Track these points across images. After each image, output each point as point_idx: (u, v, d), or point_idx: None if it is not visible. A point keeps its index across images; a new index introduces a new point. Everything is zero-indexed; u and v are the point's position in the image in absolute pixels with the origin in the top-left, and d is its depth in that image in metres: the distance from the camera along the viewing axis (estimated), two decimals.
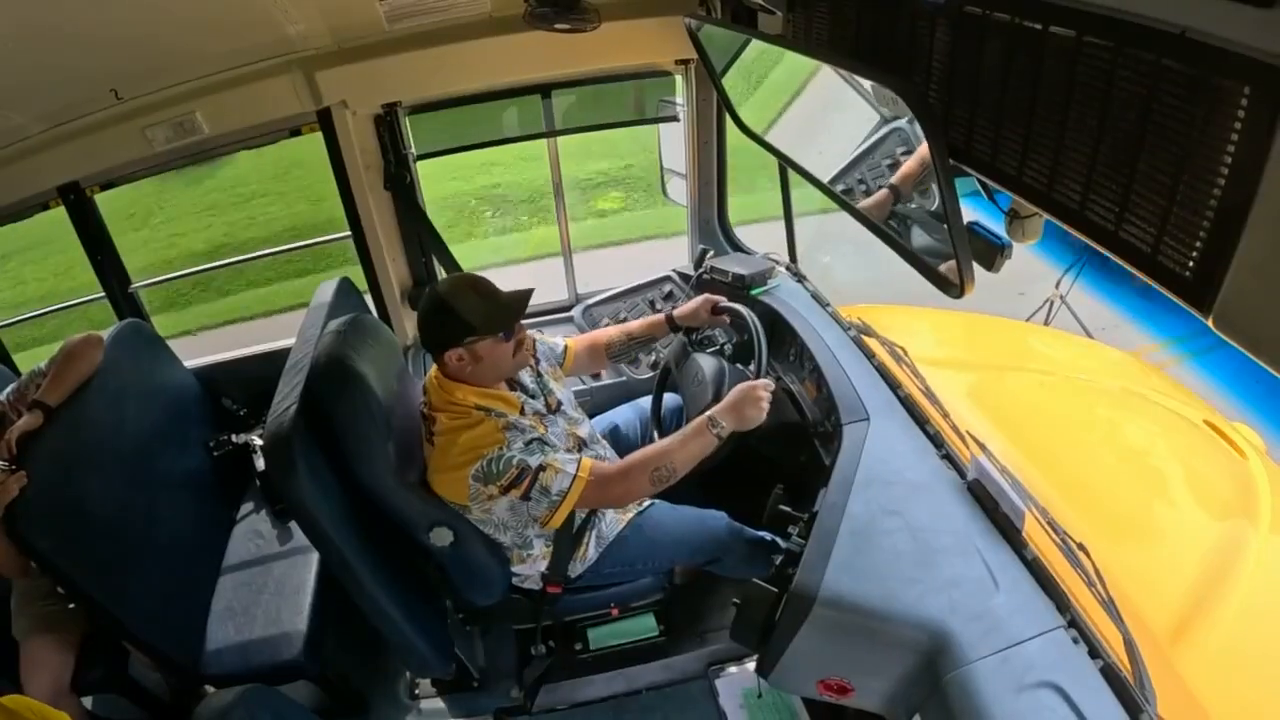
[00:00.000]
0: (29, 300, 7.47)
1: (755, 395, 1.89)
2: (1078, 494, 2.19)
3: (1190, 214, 0.86)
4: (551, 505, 1.83)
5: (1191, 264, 0.88)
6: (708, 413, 1.91)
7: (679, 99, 2.81)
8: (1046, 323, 4.32)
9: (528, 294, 1.90)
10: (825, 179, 1.76)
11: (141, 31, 1.98)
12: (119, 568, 1.99)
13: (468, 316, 1.82)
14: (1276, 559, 2.10)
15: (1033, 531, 1.63)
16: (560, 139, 2.90)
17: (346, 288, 2.32)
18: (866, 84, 1.61)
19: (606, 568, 2.08)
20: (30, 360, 2.47)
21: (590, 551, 2.06)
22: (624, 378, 2.92)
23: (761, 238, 3.06)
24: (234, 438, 2.71)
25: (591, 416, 2.36)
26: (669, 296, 3.06)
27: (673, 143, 2.97)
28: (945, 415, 1.98)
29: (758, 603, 1.64)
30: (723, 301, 2.27)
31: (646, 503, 2.13)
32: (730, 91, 2.15)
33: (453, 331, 1.84)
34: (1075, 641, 1.45)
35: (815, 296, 2.53)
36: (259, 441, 2.70)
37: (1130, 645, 1.45)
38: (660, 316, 2.34)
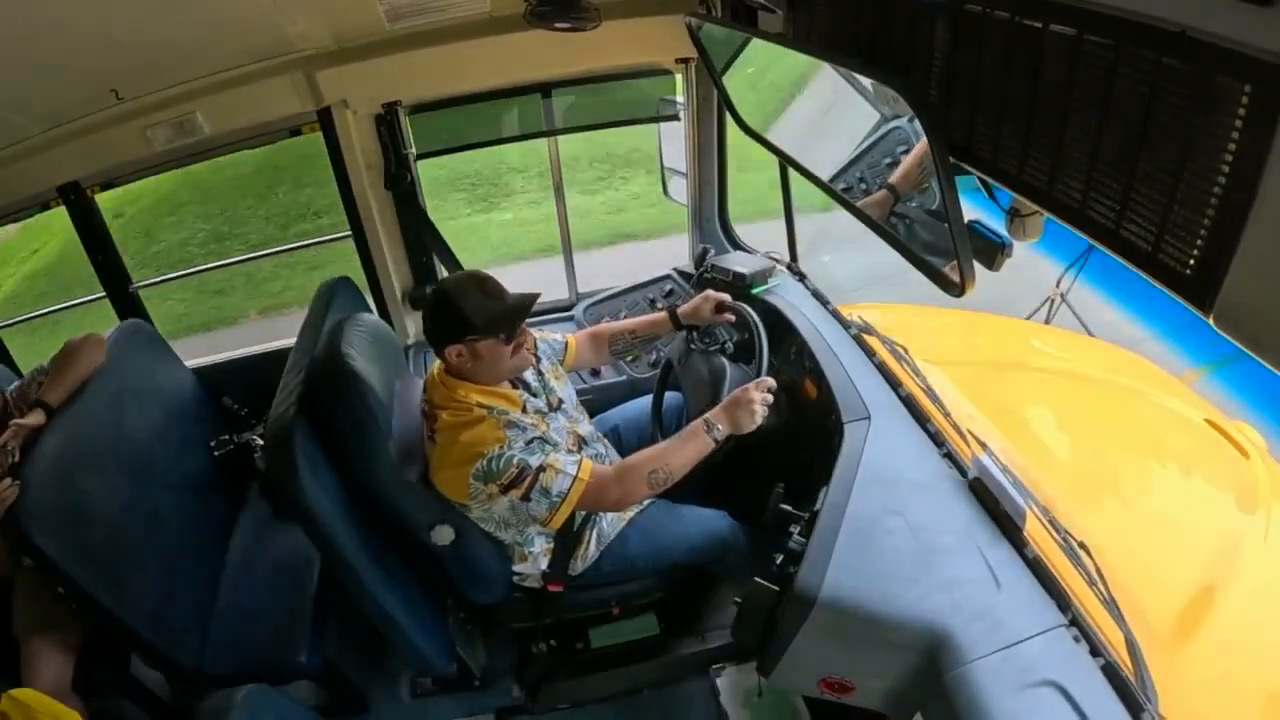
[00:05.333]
0: None
1: (749, 398, 1.89)
2: (1079, 492, 2.19)
3: (1191, 212, 0.86)
4: (551, 506, 1.83)
5: (1192, 262, 0.88)
6: (704, 416, 1.91)
7: (679, 98, 2.81)
8: (1047, 321, 4.31)
9: (533, 298, 1.90)
10: (826, 177, 1.76)
11: (142, 32, 1.98)
12: (120, 568, 1.99)
13: (471, 315, 1.82)
14: (1277, 558, 2.10)
15: (1034, 530, 1.63)
16: None
17: (347, 287, 2.32)
18: (867, 82, 1.61)
19: (607, 566, 2.08)
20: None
21: (591, 550, 2.06)
22: (625, 376, 2.92)
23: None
24: (235, 437, 2.71)
25: (593, 415, 2.36)
26: (669, 295, 3.06)
27: (673, 142, 2.96)
28: (946, 414, 1.98)
29: (759, 602, 1.64)
30: (726, 299, 2.27)
31: (647, 501, 2.13)
32: (731, 90, 2.15)
33: (454, 328, 1.84)
34: (1076, 640, 1.45)
35: (816, 295, 2.53)
36: (260, 441, 2.71)
37: (1132, 644, 1.45)
38: (663, 314, 2.34)
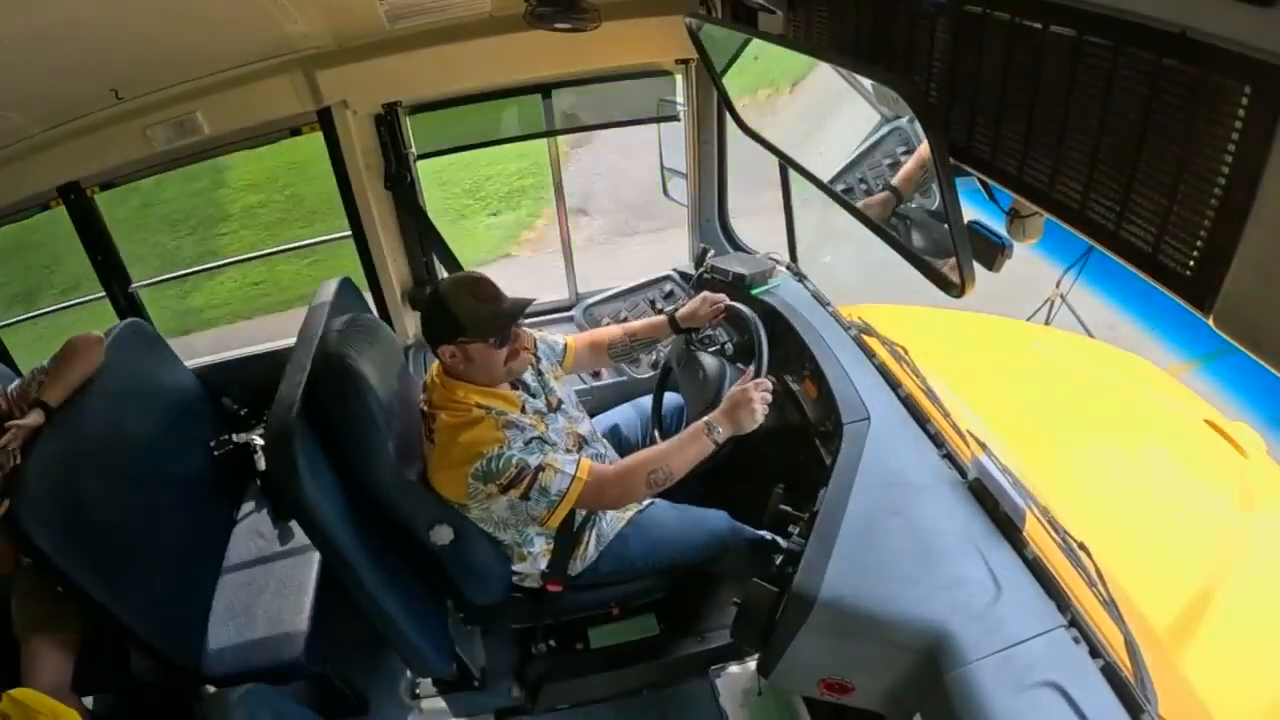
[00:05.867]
0: None
1: (748, 398, 1.89)
2: (1079, 493, 2.19)
3: (1191, 213, 0.86)
4: (550, 505, 1.83)
5: (1192, 263, 0.88)
6: (705, 418, 1.91)
7: (679, 98, 2.81)
8: (1047, 322, 4.31)
9: (526, 303, 1.90)
10: (826, 179, 1.76)
11: (142, 32, 1.98)
12: (119, 568, 1.99)
13: (461, 318, 1.82)
14: (1277, 558, 2.10)
15: (1034, 531, 1.64)
16: None
17: (347, 287, 2.32)
18: (867, 83, 1.61)
19: (607, 566, 2.08)
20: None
21: (590, 550, 2.06)
22: (625, 377, 2.92)
23: None
24: (235, 437, 2.71)
25: (592, 415, 2.36)
26: (669, 296, 3.06)
27: (673, 142, 2.97)
28: (946, 414, 1.98)
29: (758, 602, 1.64)
30: (723, 300, 2.27)
31: (647, 501, 2.13)
32: (731, 91, 2.15)
33: (446, 329, 1.84)
34: (1076, 641, 1.45)
35: (816, 296, 2.53)
36: (260, 441, 2.70)
37: (1131, 645, 1.45)
38: (662, 318, 2.34)
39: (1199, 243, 0.86)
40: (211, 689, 2.16)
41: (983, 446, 1.85)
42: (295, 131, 2.57)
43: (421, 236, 2.85)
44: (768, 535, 2.08)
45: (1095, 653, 1.43)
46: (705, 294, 2.29)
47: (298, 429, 1.74)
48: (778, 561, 1.70)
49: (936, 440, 1.91)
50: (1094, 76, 0.96)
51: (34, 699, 1.82)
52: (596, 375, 2.93)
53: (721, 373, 2.17)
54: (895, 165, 1.55)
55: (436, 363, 1.96)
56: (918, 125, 1.27)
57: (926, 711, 1.47)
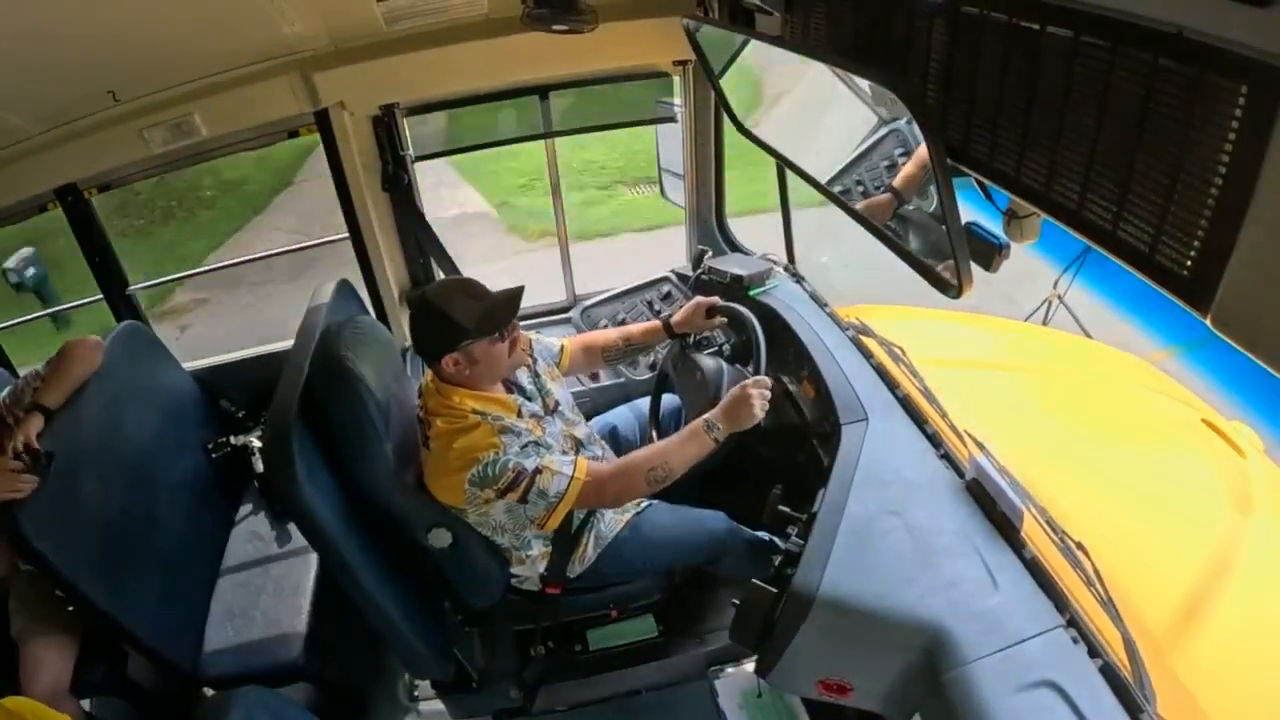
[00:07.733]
0: None
1: (746, 395, 1.89)
2: (1076, 493, 2.19)
3: (1188, 213, 0.87)
4: (549, 507, 1.83)
5: (1189, 263, 0.88)
6: (704, 416, 1.91)
7: (677, 100, 2.81)
8: (1045, 322, 4.32)
9: (519, 291, 1.90)
10: (823, 180, 1.76)
11: (139, 33, 1.97)
12: (117, 570, 1.99)
13: (461, 320, 1.81)
14: (1275, 558, 2.10)
15: (1031, 531, 1.64)
16: None
17: (345, 289, 2.32)
18: (864, 84, 1.61)
19: (605, 568, 2.08)
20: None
21: (589, 552, 2.05)
22: (622, 379, 2.92)
23: None
24: (233, 439, 2.71)
25: (590, 418, 2.36)
26: (667, 297, 3.06)
27: (670, 143, 2.97)
28: (944, 415, 1.98)
29: (757, 603, 1.64)
30: (718, 303, 2.27)
31: (645, 503, 2.13)
32: (728, 92, 2.15)
33: (447, 337, 1.83)
34: (1074, 641, 1.45)
35: (814, 297, 2.53)
36: (258, 443, 2.70)
37: (1130, 645, 1.45)
38: (657, 323, 2.34)
39: (1196, 243, 0.86)
40: (209, 691, 2.16)
41: (980, 446, 1.85)
42: (293, 133, 2.57)
43: (419, 238, 2.84)
44: (766, 536, 2.08)
45: (1094, 652, 1.43)
46: (698, 299, 2.29)
47: (295, 431, 1.73)
48: (776, 562, 1.70)
49: (934, 440, 1.91)
50: (1091, 77, 0.96)
51: (28, 707, 1.81)
52: (594, 377, 2.92)
53: (720, 373, 2.17)
54: (893, 166, 1.56)
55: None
56: (915, 126, 1.27)
57: (925, 712, 1.47)
